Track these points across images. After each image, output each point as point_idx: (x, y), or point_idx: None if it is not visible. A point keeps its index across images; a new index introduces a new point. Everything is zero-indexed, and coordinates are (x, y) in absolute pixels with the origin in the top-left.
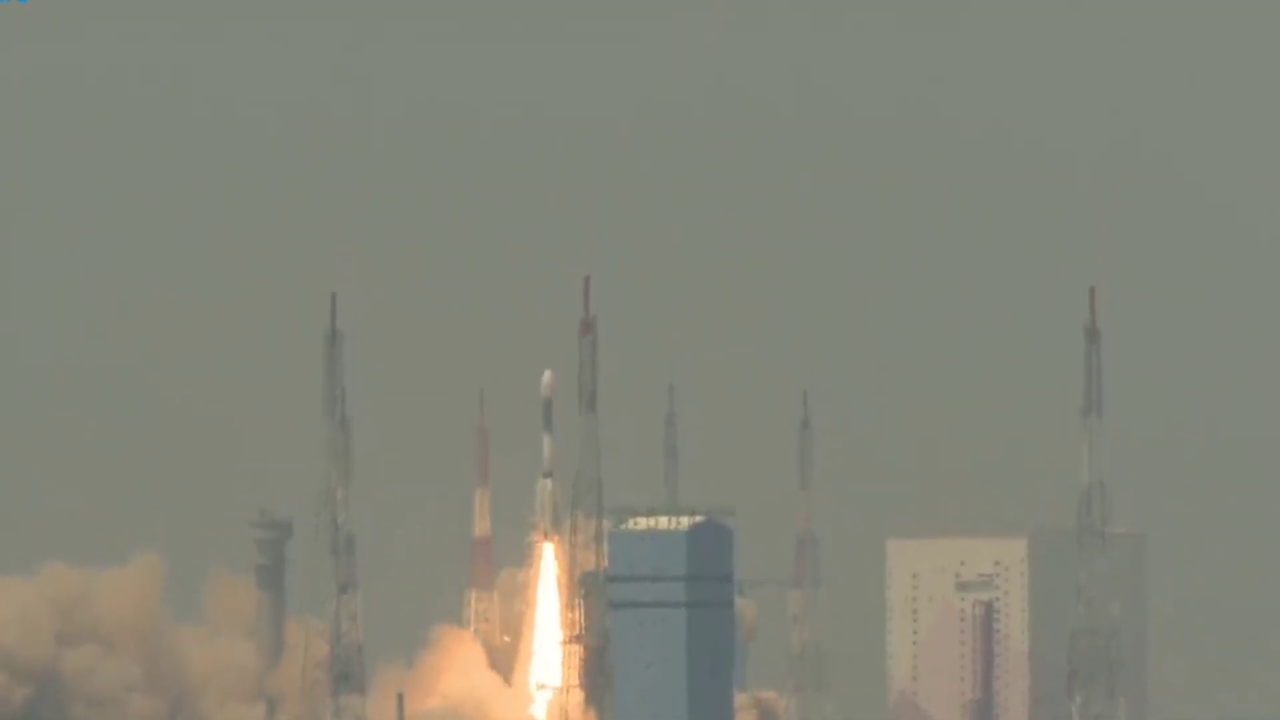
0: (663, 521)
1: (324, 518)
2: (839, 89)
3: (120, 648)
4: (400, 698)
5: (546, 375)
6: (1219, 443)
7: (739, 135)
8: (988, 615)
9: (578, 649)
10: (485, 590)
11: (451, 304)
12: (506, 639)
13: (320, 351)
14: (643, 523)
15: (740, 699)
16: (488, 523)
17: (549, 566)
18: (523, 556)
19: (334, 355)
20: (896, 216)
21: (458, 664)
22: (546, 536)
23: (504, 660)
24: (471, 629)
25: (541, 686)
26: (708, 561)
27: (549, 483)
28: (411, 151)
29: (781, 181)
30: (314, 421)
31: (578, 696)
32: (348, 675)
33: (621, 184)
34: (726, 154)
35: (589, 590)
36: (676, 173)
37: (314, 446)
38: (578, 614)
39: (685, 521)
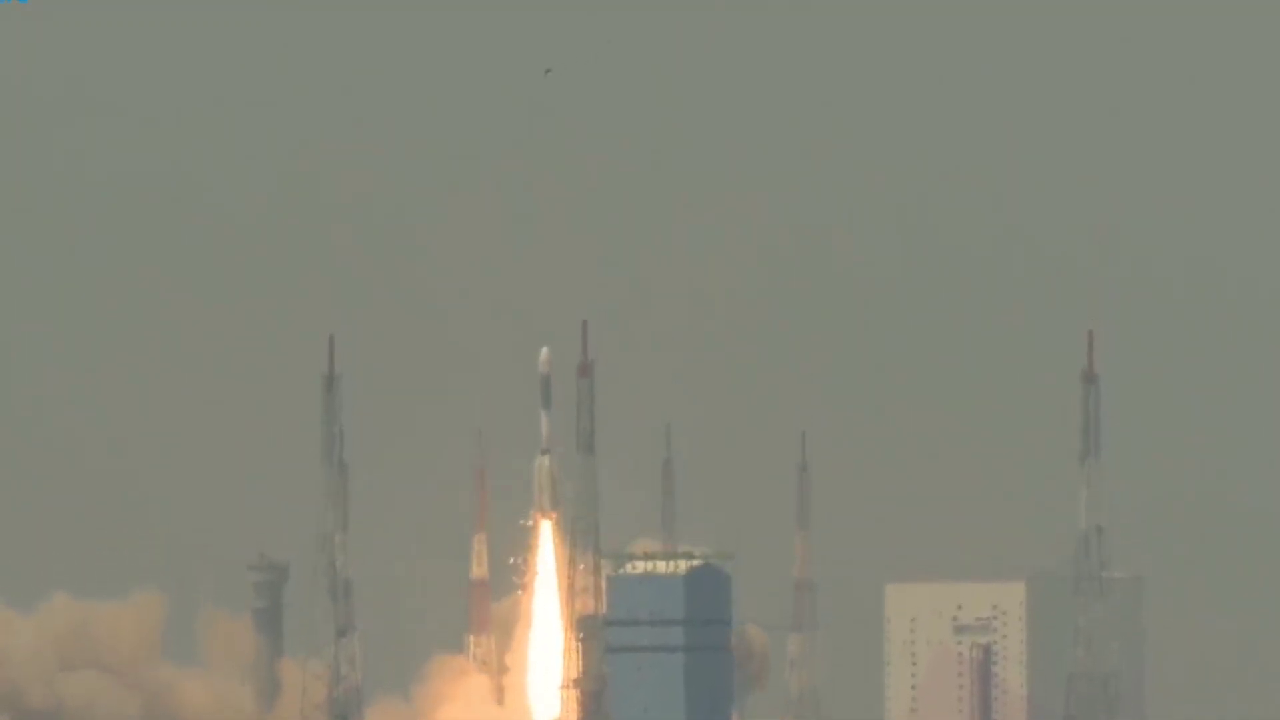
0: (661, 565)
1: (322, 561)
2: (833, 129)
3: (119, 683)
4: None
5: (544, 352)
6: (1216, 487)
7: (736, 179)
8: (986, 659)
9: (576, 694)
10: (484, 634)
11: (449, 346)
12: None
13: (318, 394)
14: (640, 566)
15: None
16: (485, 566)
17: (546, 544)
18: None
19: (332, 398)
20: (895, 260)
21: (460, 694)
22: (544, 514)
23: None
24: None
25: None
26: (706, 605)
27: (546, 459)
28: (408, 191)
29: (780, 223)
30: (312, 465)
31: None
32: (346, 718)
33: (620, 226)
34: (723, 198)
35: (587, 634)
36: (674, 216)
37: (312, 490)
38: (576, 658)
39: (683, 565)
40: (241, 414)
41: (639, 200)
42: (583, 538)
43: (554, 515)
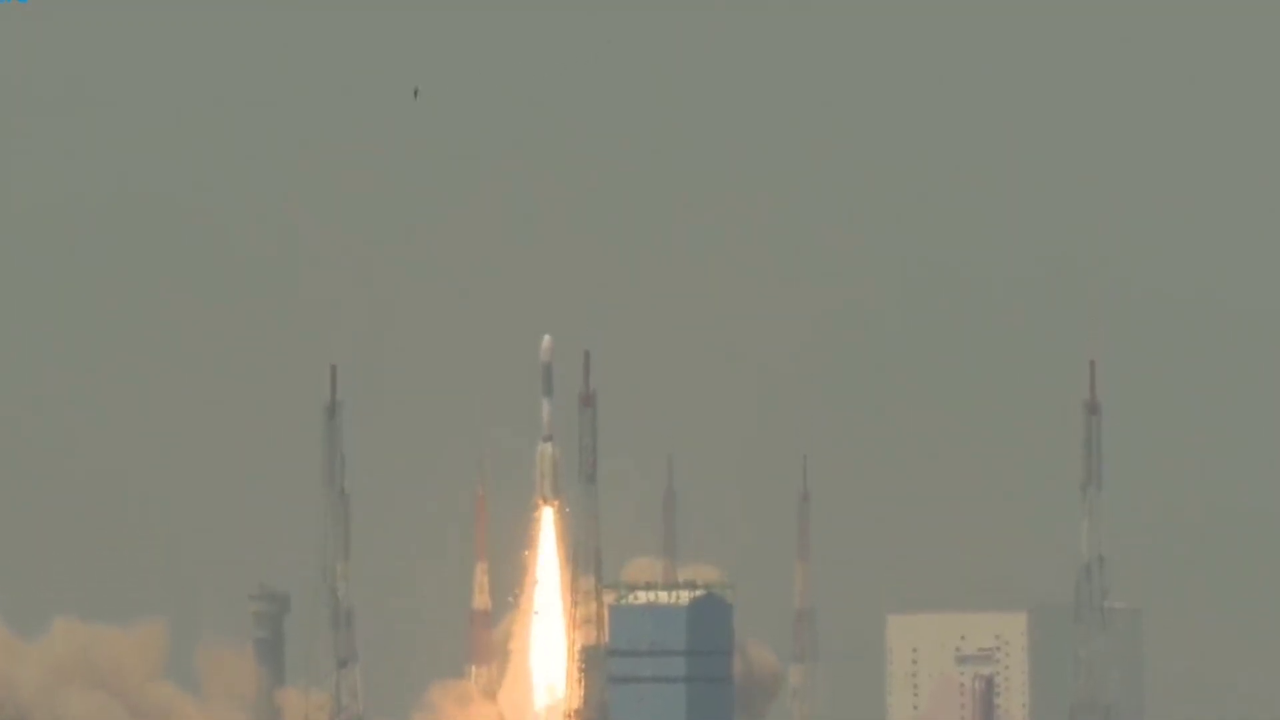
0: (662, 595)
1: (323, 591)
2: (831, 162)
3: (121, 708)
4: None
5: (545, 340)
6: (1217, 517)
7: (734, 210)
8: (988, 689)
9: None
10: (485, 664)
11: (450, 376)
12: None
13: (320, 424)
14: (642, 596)
15: None
16: (487, 595)
17: (548, 532)
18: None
19: (333, 427)
20: (896, 290)
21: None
22: (546, 501)
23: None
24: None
25: None
26: (707, 636)
27: (549, 447)
28: (407, 223)
29: (779, 253)
30: (313, 494)
31: None
32: None
33: (619, 258)
34: (722, 227)
35: (589, 665)
36: (675, 246)
37: (313, 519)
38: (578, 689)
39: (685, 596)
40: (243, 442)
41: (639, 211)
42: (585, 567)
43: (556, 502)
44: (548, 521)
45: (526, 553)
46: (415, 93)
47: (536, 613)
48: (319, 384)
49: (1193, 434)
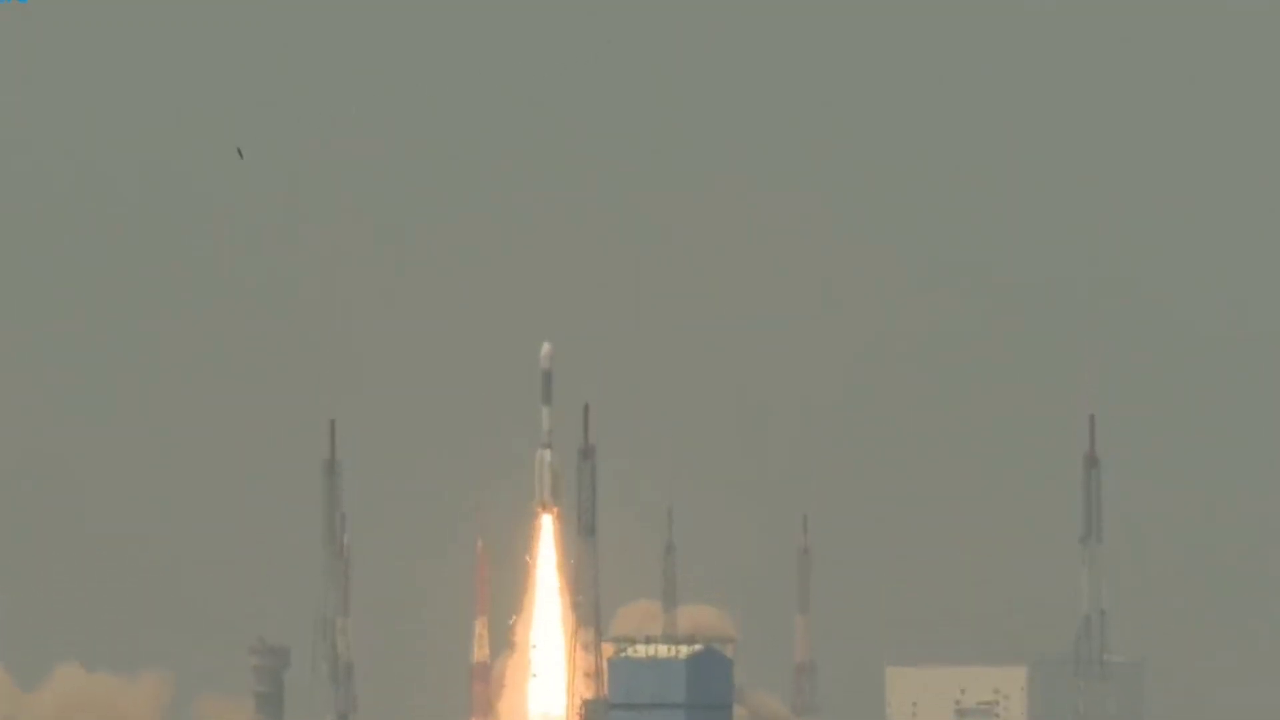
0: (662, 649)
1: (323, 645)
2: (831, 209)
3: None
4: None
5: (545, 347)
6: (1217, 571)
7: (731, 268)
8: None
9: None
10: (485, 717)
11: (449, 431)
12: None
13: (319, 479)
14: (642, 650)
15: None
16: (487, 649)
17: (548, 539)
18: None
19: (333, 483)
20: (895, 344)
21: None
22: (545, 508)
23: None
24: None
25: None
26: (707, 690)
27: (548, 454)
28: (405, 277)
29: (778, 308)
30: (313, 549)
31: None
32: None
33: (619, 317)
34: (721, 282)
35: (590, 718)
36: (675, 300)
37: (313, 574)
38: None
39: (684, 650)
40: (244, 497)
41: (638, 284)
42: (585, 621)
43: (555, 509)
44: (547, 529)
45: (527, 558)
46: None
47: (534, 675)
48: (318, 440)
49: (1193, 487)
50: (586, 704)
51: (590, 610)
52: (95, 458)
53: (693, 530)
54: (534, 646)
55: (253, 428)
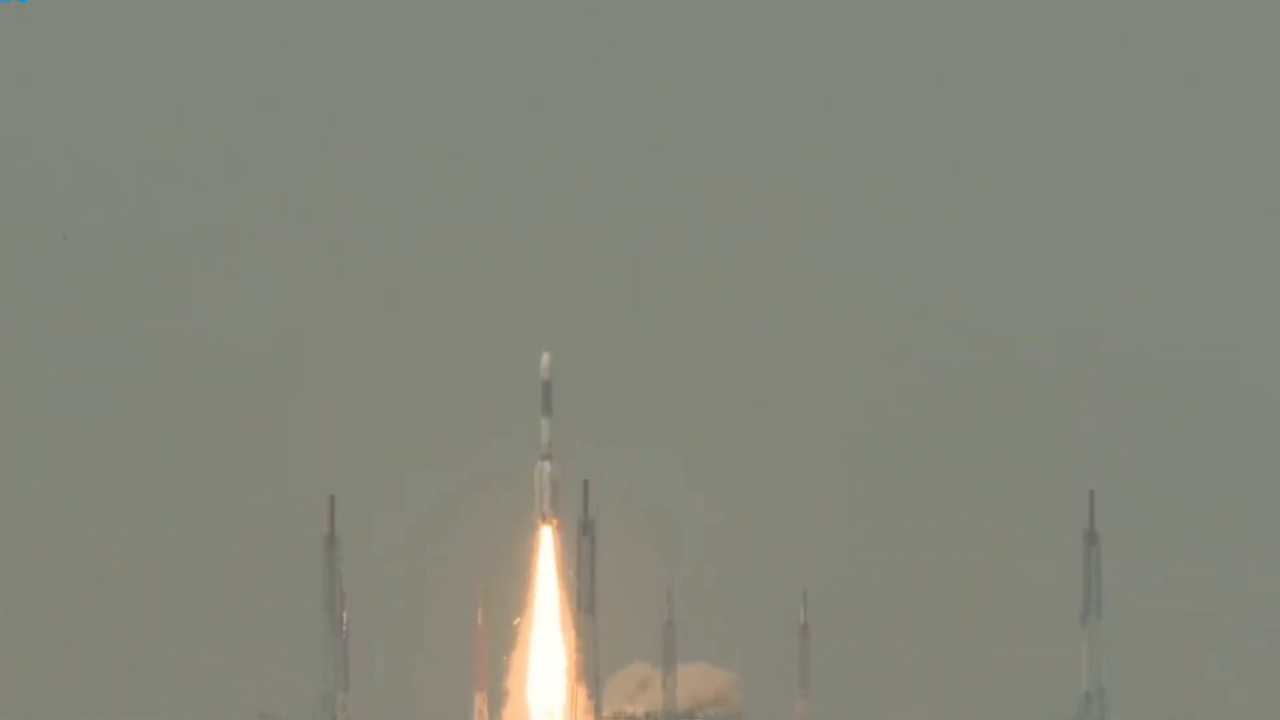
0: None
1: None
2: (816, 271)
3: None
4: None
5: (545, 358)
6: (1219, 648)
7: (727, 330)
8: None
9: None
10: None
11: (449, 506)
12: None
13: (319, 553)
14: None
15: None
16: None
17: (547, 552)
18: None
19: (332, 558)
20: (894, 421)
21: None
22: (545, 520)
23: None
24: None
25: None
26: None
27: (547, 465)
28: (403, 344)
29: (776, 384)
30: (313, 623)
31: None
32: None
33: (617, 390)
34: (716, 354)
35: None
36: (674, 378)
37: (313, 647)
38: None
39: None
40: (244, 570)
41: (636, 357)
42: (584, 695)
43: (555, 521)
44: (546, 542)
45: (516, 622)
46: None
47: None
48: (318, 515)
49: (1193, 564)
50: None
51: (591, 683)
52: (95, 528)
53: (692, 609)
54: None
55: (252, 501)
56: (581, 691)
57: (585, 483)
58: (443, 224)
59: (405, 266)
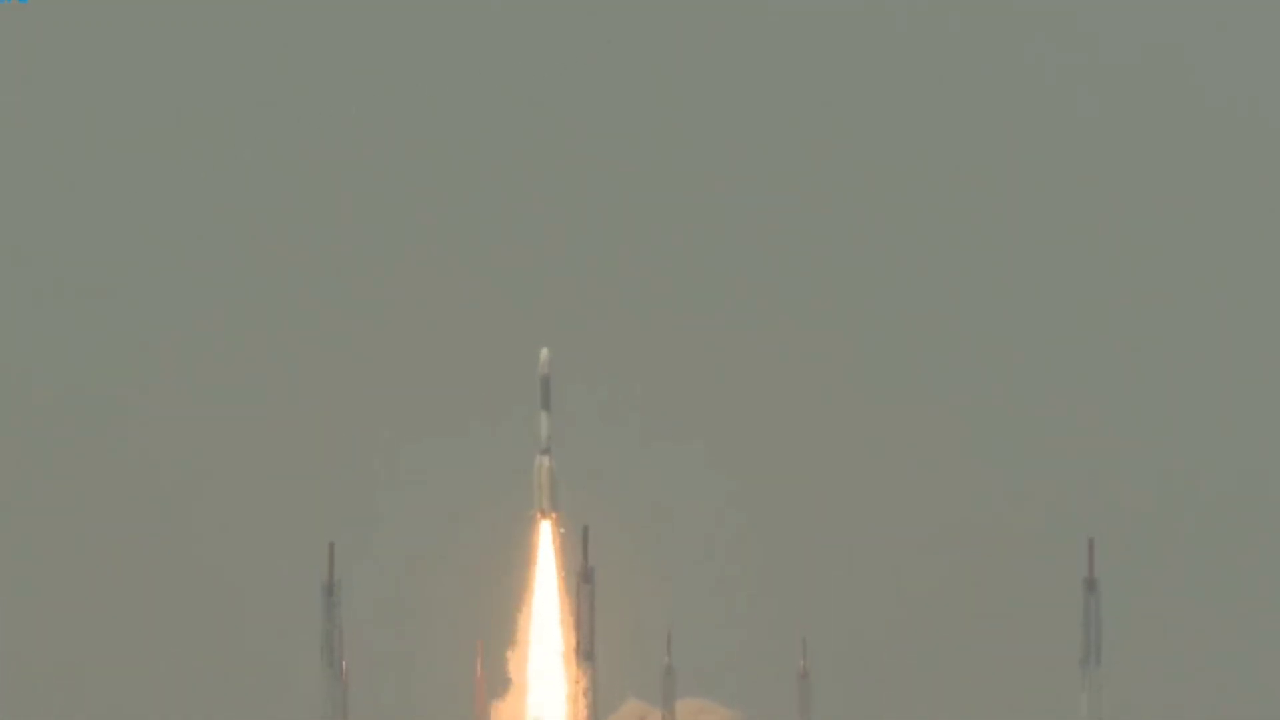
0: None
1: None
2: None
3: None
4: None
5: (544, 353)
6: (1218, 694)
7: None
8: None
9: None
10: None
11: (449, 555)
12: None
13: (319, 601)
14: None
15: None
16: None
17: (546, 546)
18: None
19: (331, 604)
20: (893, 470)
21: None
22: (543, 515)
23: None
24: None
25: None
26: None
27: (546, 459)
28: (400, 387)
29: (773, 430)
30: (311, 671)
31: None
32: None
33: (616, 437)
34: (713, 392)
35: None
36: (672, 424)
37: (312, 699)
38: None
39: None
40: (242, 620)
41: (632, 402)
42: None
43: (554, 515)
44: (545, 536)
45: (509, 675)
46: None
47: None
48: (318, 563)
49: (1192, 612)
50: None
51: None
52: (92, 579)
53: (691, 654)
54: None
55: (251, 549)
56: None
57: (585, 529)
58: (441, 219)
59: (403, 265)
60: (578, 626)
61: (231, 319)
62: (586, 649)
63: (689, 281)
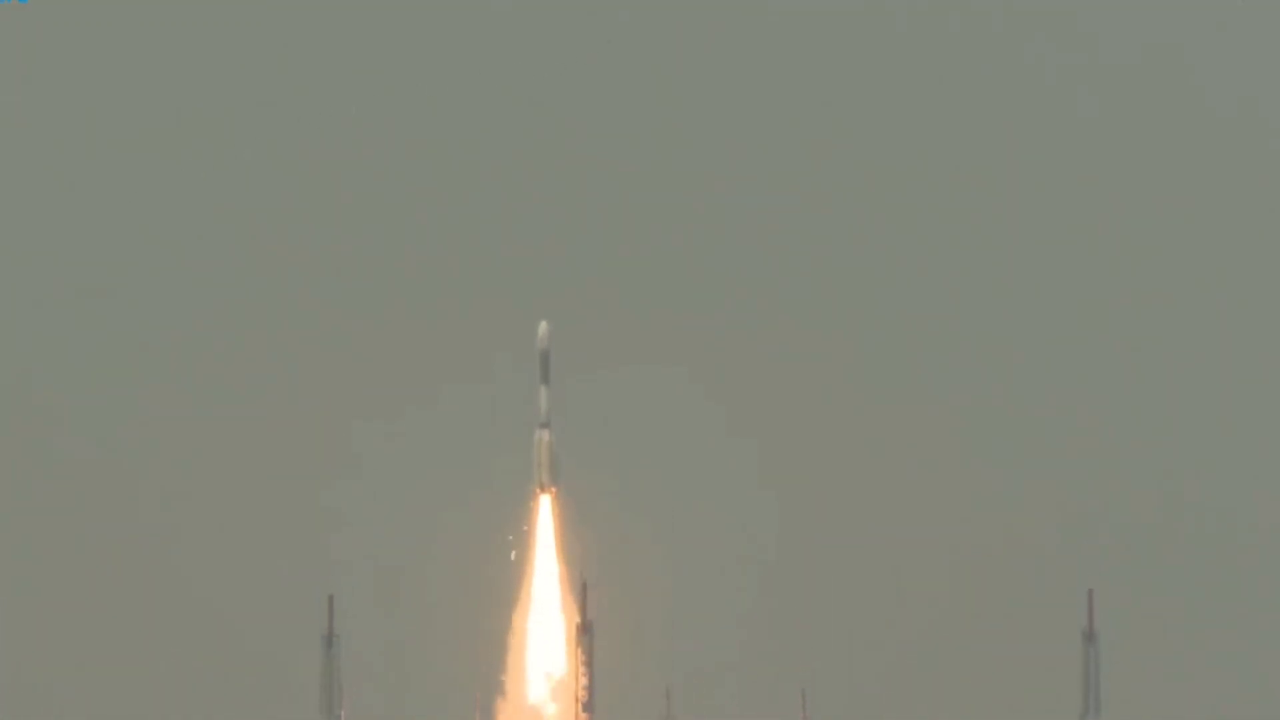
0: None
1: None
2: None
3: None
4: None
5: (542, 326)
6: None
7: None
8: None
9: None
10: None
11: (449, 605)
12: None
13: (319, 652)
14: None
15: None
16: None
17: (546, 521)
18: None
19: (331, 656)
20: (891, 524)
21: None
22: (544, 489)
23: None
24: None
25: None
26: None
27: (546, 433)
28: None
29: (773, 400)
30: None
31: None
32: None
33: (614, 491)
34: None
35: None
36: (668, 482)
37: None
38: None
39: None
40: (240, 672)
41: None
42: None
43: (553, 490)
44: (545, 511)
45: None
46: None
47: None
48: (318, 615)
49: (1192, 663)
50: None
51: None
52: (90, 629)
53: (691, 709)
54: None
55: (250, 600)
56: None
57: (584, 585)
58: (439, 210)
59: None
60: (577, 678)
61: (229, 318)
62: (586, 703)
63: (689, 258)
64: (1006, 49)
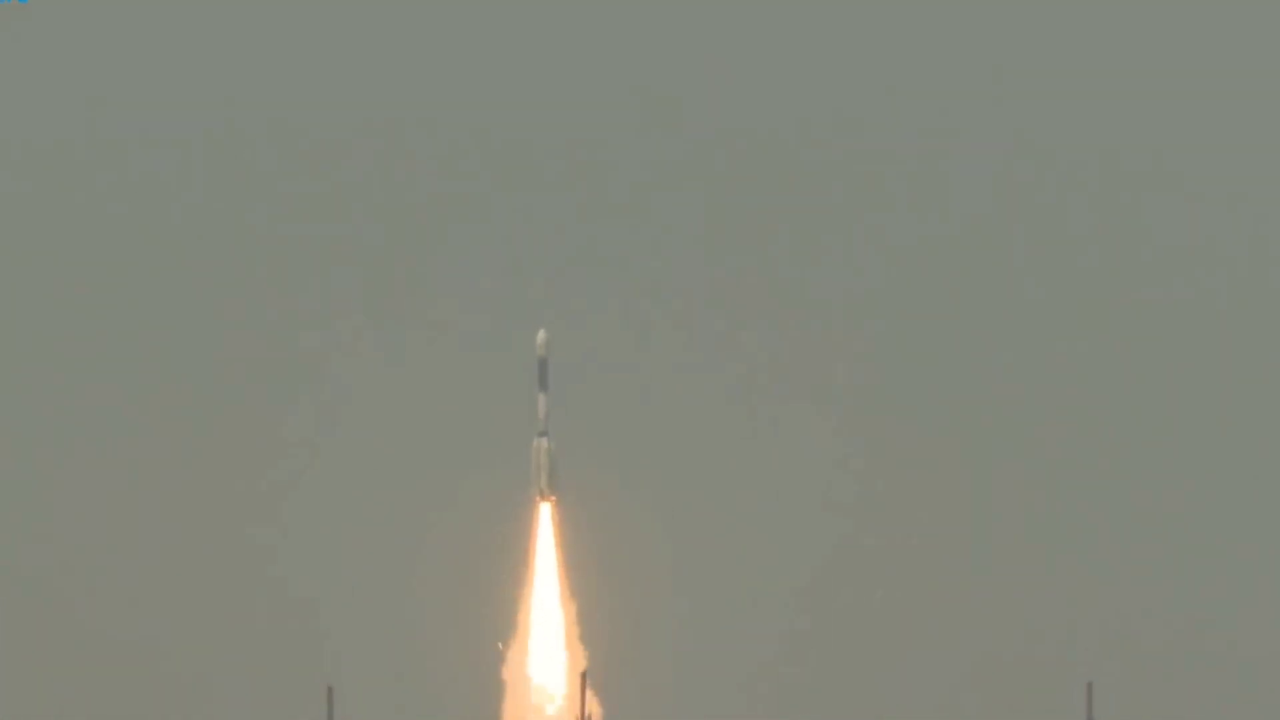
0: None
1: None
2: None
3: None
4: None
5: (541, 334)
6: None
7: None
8: None
9: None
10: None
11: (447, 663)
12: None
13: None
14: None
15: None
16: None
17: (545, 528)
18: None
19: (334, 714)
20: (890, 611)
21: None
22: (543, 497)
23: None
24: None
25: None
26: None
27: (544, 441)
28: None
29: (771, 410)
30: None
31: None
32: None
33: (615, 554)
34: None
35: None
36: (667, 549)
37: None
38: None
39: None
40: None
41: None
42: None
43: (552, 498)
44: (545, 519)
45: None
46: None
47: None
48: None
49: None
50: None
51: None
52: (94, 708)
53: None
54: None
55: (250, 658)
56: None
57: (583, 675)
58: (439, 210)
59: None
60: None
61: (226, 317)
62: None
63: (688, 262)
64: (1006, 47)
